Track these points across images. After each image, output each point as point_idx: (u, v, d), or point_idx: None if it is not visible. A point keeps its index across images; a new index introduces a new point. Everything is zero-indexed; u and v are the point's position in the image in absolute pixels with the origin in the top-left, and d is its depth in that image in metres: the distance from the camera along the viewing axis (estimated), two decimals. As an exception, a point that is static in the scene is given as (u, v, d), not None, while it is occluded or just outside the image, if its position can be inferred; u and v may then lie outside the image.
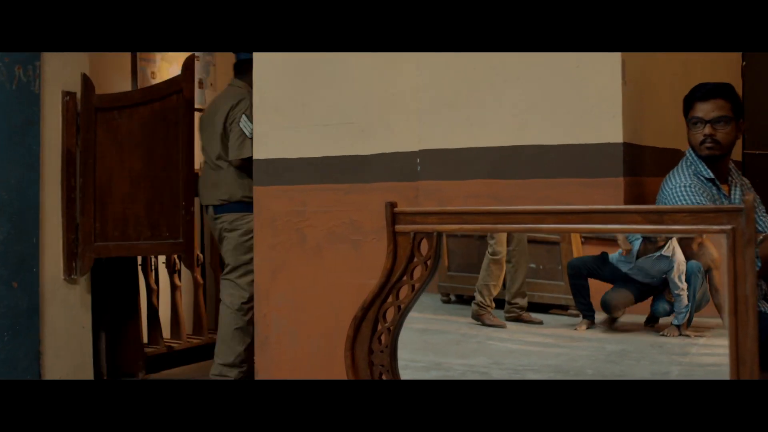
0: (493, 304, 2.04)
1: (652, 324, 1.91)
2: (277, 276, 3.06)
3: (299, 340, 3.02)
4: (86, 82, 3.91)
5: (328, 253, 2.94)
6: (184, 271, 5.24)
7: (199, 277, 5.34)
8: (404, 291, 2.04)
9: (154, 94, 4.10)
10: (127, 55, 4.87)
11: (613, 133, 2.39)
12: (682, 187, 2.41)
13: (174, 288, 5.15)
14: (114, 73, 4.71)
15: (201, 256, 5.45)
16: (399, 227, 2.02)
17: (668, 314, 1.90)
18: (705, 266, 1.86)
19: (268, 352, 3.08)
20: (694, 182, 2.43)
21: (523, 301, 2.03)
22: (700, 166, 2.48)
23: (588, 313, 1.96)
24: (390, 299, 2.06)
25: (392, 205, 2.04)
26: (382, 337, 2.08)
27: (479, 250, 2.10)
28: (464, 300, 2.12)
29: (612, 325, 1.95)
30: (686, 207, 1.93)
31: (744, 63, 3.85)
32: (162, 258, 5.15)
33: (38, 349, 3.77)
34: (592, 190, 2.39)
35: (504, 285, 2.05)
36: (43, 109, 3.75)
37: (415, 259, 2.02)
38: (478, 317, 2.06)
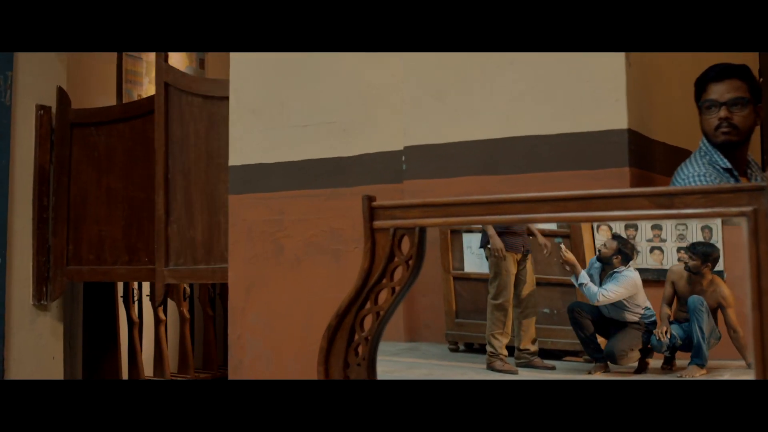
0: (506, 352, 1.94)
1: (669, 366, 1.80)
2: (252, 292, 2.85)
3: (276, 363, 2.80)
4: (62, 95, 3.77)
5: (307, 265, 2.75)
6: (170, 304, 5.04)
7: (185, 311, 5.14)
8: (383, 295, 1.87)
9: (135, 111, 3.90)
10: (112, 76, 4.74)
11: (617, 119, 2.22)
12: (697, 176, 2.21)
13: (158, 322, 4.96)
14: (97, 95, 4.55)
15: (188, 288, 5.24)
16: (377, 223, 1.87)
17: (668, 348, 1.80)
18: (715, 304, 1.75)
19: (242, 376, 2.85)
20: (709, 171, 2.23)
21: (533, 347, 1.93)
22: (715, 155, 2.27)
23: (598, 356, 1.85)
24: (368, 305, 1.89)
25: (370, 198, 1.88)
26: (359, 349, 1.90)
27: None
28: (474, 349, 2.01)
29: (642, 371, 1.83)
30: (700, 187, 1.71)
31: (761, 79, 3.65)
32: (146, 289, 4.94)
33: (2, 380, 3.56)
34: (594, 183, 2.21)
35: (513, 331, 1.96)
36: (14, 123, 3.65)
37: (396, 259, 1.85)
38: (489, 365, 1.97)
